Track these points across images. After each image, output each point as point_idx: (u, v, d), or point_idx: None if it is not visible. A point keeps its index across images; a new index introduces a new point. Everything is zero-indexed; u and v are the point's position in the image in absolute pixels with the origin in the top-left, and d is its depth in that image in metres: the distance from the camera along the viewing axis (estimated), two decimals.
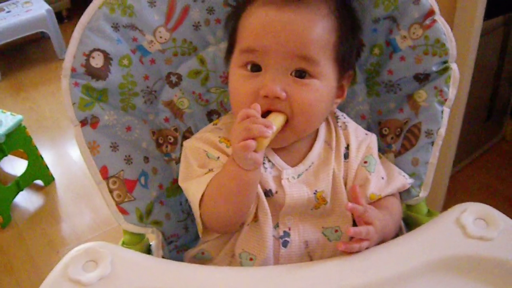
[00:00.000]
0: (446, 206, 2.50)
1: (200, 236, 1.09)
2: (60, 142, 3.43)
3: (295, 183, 1.06)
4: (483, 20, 1.98)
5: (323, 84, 1.02)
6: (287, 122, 1.00)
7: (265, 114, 0.98)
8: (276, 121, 0.97)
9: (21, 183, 2.89)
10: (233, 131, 0.94)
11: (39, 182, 3.03)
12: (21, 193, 2.92)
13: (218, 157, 1.07)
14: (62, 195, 2.98)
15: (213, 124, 1.17)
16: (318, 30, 1.00)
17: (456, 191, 2.65)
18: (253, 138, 0.90)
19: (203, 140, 1.11)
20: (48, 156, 3.14)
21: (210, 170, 1.04)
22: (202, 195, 1.00)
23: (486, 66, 2.50)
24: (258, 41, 1.00)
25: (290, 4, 0.99)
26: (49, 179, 3.04)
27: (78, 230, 2.70)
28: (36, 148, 2.92)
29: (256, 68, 1.02)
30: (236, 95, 1.05)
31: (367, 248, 0.96)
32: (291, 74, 1.00)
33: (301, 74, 1.00)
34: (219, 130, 1.13)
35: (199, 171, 1.06)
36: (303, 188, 1.06)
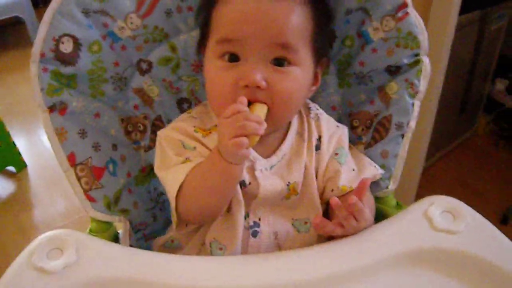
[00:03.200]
0: (417, 200, 2.52)
1: (174, 227, 1.07)
2: (33, 128, 3.38)
3: (268, 175, 1.06)
4: (459, 14, 1.98)
5: (302, 71, 1.02)
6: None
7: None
8: (262, 113, 0.96)
9: None
10: (221, 126, 0.92)
11: (11, 168, 2.99)
12: None
13: (195, 147, 1.06)
14: (34, 181, 2.95)
15: (187, 113, 1.16)
16: (296, 18, 1.00)
17: (428, 185, 2.67)
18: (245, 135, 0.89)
19: (178, 130, 1.09)
20: (21, 142, 3.11)
21: (187, 159, 1.03)
22: (181, 186, 0.98)
23: (460, 60, 2.52)
24: (236, 31, 0.98)
25: None
26: (21, 166, 3.01)
27: (50, 218, 2.67)
28: (9, 134, 2.88)
29: (234, 58, 1.00)
30: (215, 87, 1.03)
31: (334, 237, 0.97)
32: (270, 63, 0.99)
33: (280, 62, 0.99)
34: (194, 119, 1.12)
35: (175, 159, 1.04)
36: (276, 180, 1.06)
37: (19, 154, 2.98)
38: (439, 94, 2.21)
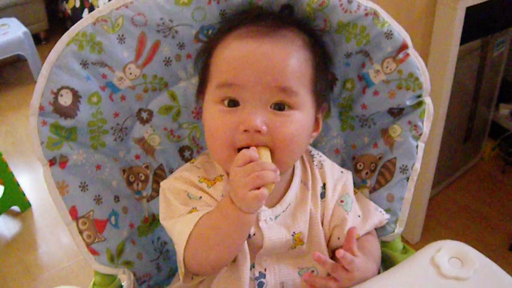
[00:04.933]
0: (425, 229, 2.52)
1: (181, 280, 1.03)
2: (37, 167, 3.29)
3: (272, 225, 1.04)
4: (460, 44, 1.98)
5: (303, 115, 1.01)
6: None
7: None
8: (268, 158, 0.95)
9: None
10: (235, 175, 0.90)
11: (15, 208, 2.96)
12: None
13: (200, 197, 1.04)
14: (39, 221, 2.92)
15: (191, 163, 1.14)
16: (296, 61, 1.00)
17: (435, 214, 2.65)
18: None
19: (182, 180, 1.08)
20: (25, 181, 3.08)
21: (194, 209, 1.01)
22: (189, 237, 0.95)
23: (463, 88, 2.51)
24: (236, 75, 0.98)
25: (266, 36, 0.98)
26: (25, 205, 2.97)
27: (55, 257, 2.64)
28: (12, 174, 2.86)
29: (233, 103, 0.99)
30: (214, 132, 1.02)
31: None
32: (270, 107, 0.98)
33: (280, 106, 0.99)
34: (197, 169, 1.10)
35: (182, 209, 1.02)
36: (282, 230, 1.04)
37: (23, 194, 2.96)
38: (444, 122, 2.20)
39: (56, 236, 2.76)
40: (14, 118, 3.91)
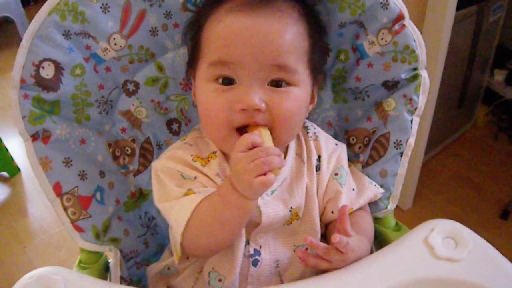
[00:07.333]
0: (417, 195, 2.52)
1: (177, 262, 1.02)
2: None
3: (270, 201, 1.02)
4: (456, 10, 1.95)
5: (301, 91, 0.98)
6: None
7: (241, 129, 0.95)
8: (269, 139, 0.92)
9: None
10: (238, 162, 0.85)
11: (4, 174, 2.95)
12: None
13: (195, 177, 1.01)
14: (28, 186, 2.90)
15: (181, 140, 1.10)
16: (292, 36, 0.96)
17: (427, 180, 2.65)
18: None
19: (175, 160, 1.04)
20: (13, 147, 3.04)
21: (190, 190, 0.97)
22: (188, 221, 0.92)
23: (459, 53, 2.50)
24: (230, 53, 0.94)
25: (260, 10, 0.93)
26: (14, 171, 2.95)
27: (45, 223, 2.63)
28: (0, 140, 2.83)
29: (228, 81, 0.96)
30: (209, 112, 0.98)
31: (324, 270, 0.93)
32: (267, 84, 0.95)
33: (278, 83, 0.95)
34: (189, 147, 1.07)
35: (177, 190, 0.98)
36: (279, 205, 1.02)
37: (12, 159, 2.93)
38: (438, 87, 2.19)
39: (45, 202, 2.72)
40: (2, 81, 3.87)
